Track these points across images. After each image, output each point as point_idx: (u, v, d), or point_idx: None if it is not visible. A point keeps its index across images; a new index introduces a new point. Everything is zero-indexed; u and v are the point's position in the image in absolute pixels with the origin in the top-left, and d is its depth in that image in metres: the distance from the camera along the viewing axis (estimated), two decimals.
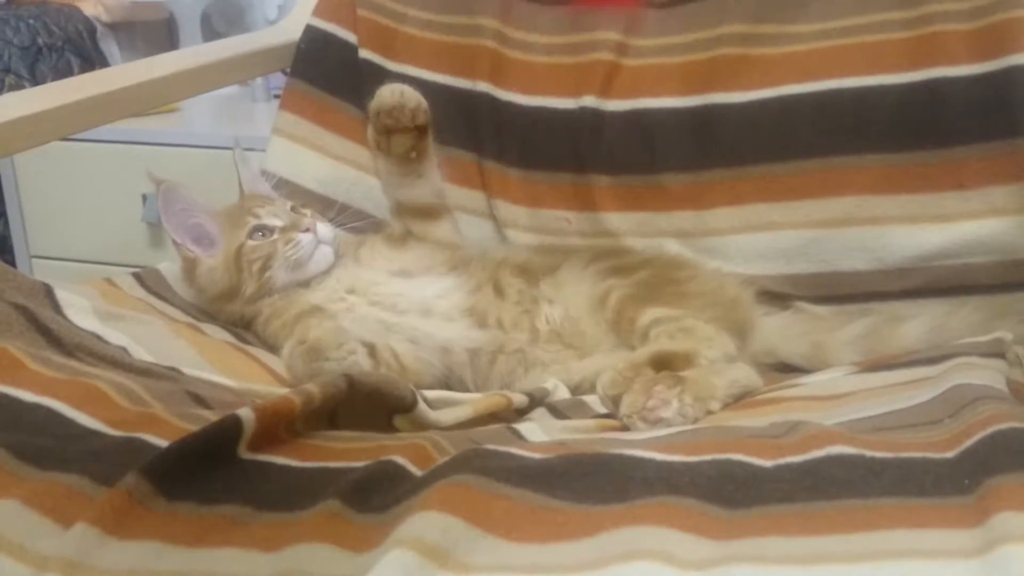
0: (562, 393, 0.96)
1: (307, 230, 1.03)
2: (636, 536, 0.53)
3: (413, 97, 1.08)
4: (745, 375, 0.92)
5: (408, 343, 0.98)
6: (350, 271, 1.04)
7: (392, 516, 0.56)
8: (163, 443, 0.64)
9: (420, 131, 1.11)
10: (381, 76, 1.23)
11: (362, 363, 0.91)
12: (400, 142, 1.08)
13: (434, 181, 1.12)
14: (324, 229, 1.06)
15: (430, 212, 1.11)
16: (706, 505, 0.56)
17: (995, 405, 0.65)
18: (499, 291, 1.05)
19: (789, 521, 0.54)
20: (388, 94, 1.08)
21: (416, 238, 1.10)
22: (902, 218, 1.02)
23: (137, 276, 1.05)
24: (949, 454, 0.60)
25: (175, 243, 1.04)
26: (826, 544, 0.51)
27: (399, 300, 1.01)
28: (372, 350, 0.94)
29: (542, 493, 0.58)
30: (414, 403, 0.79)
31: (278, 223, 1.04)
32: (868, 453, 0.60)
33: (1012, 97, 0.98)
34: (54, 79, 1.81)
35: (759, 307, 1.04)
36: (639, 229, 1.15)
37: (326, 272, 1.04)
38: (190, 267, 1.05)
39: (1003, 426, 0.60)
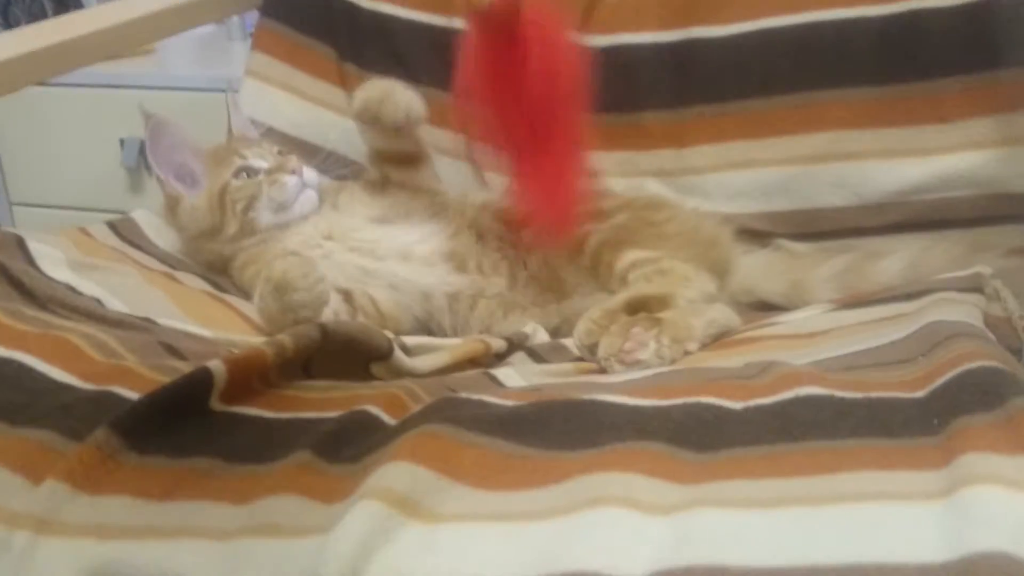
0: (541, 336, 0.96)
1: (293, 172, 1.03)
2: (603, 482, 0.53)
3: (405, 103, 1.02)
4: (723, 315, 0.92)
5: (387, 289, 0.98)
6: (328, 217, 1.03)
7: (363, 467, 0.56)
8: (135, 396, 0.64)
9: None
10: (354, 14, 1.21)
11: (334, 302, 0.91)
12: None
13: (416, 130, 1.09)
14: (310, 173, 1.05)
15: (410, 159, 1.09)
16: (674, 449, 0.56)
17: (967, 343, 0.65)
18: (480, 236, 1.05)
19: (756, 463, 0.54)
20: (374, 92, 1.02)
21: (395, 184, 1.08)
22: (882, 153, 1.01)
23: (111, 225, 1.04)
24: (919, 394, 0.60)
25: (159, 179, 1.04)
26: (791, 486, 0.51)
27: (377, 246, 1.00)
28: (348, 296, 0.94)
29: (512, 441, 0.58)
30: (390, 351, 0.79)
31: (264, 164, 1.04)
32: (838, 394, 0.60)
33: (993, 28, 0.96)
34: (28, 23, 1.78)
35: (738, 246, 1.04)
36: (620, 168, 1.13)
37: (305, 218, 1.03)
38: (172, 204, 1.04)
39: (973, 365, 0.60)
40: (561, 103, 0.92)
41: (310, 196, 1.04)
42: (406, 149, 1.09)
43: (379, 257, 1.00)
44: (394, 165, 1.09)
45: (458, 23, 1.18)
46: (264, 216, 1.01)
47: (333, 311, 0.92)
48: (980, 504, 0.47)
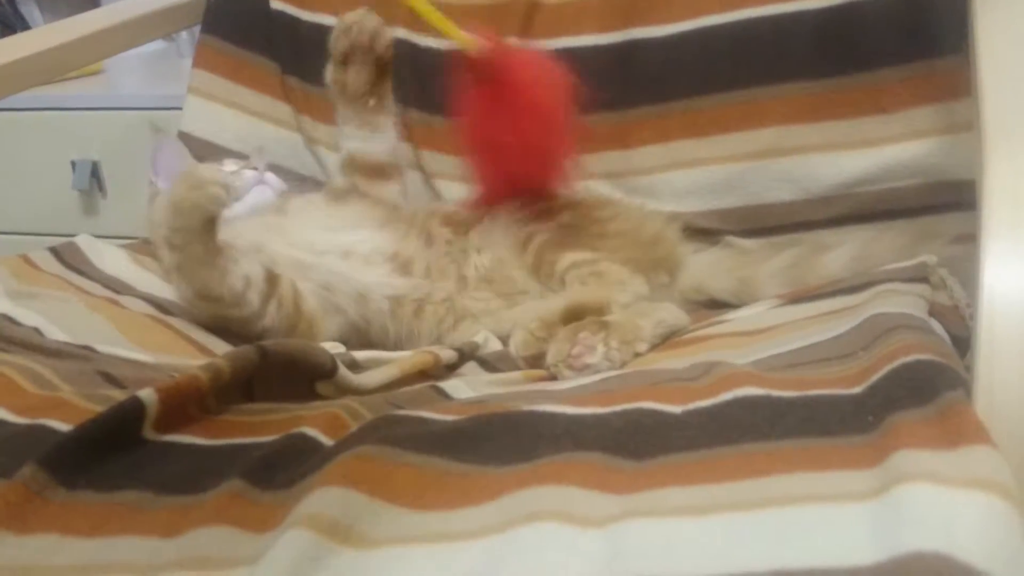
0: (493, 345, 0.96)
1: (254, 168, 1.07)
2: (538, 496, 0.52)
3: (374, 18, 1.05)
4: (672, 315, 0.91)
5: (320, 288, 0.97)
6: (272, 218, 1.03)
7: (295, 493, 0.55)
8: (68, 428, 0.63)
9: (380, 68, 1.08)
10: (295, 27, 1.20)
11: (253, 272, 0.92)
12: (358, 75, 1.06)
13: (390, 139, 1.11)
14: (273, 177, 1.09)
15: (382, 171, 1.10)
16: (611, 458, 0.56)
17: (906, 335, 0.64)
18: (429, 240, 1.04)
19: (691, 469, 0.53)
20: (350, 14, 1.05)
21: (358, 194, 1.08)
22: (825, 146, 1.01)
23: (54, 251, 1.03)
24: (856, 390, 0.59)
25: (150, 180, 1.09)
26: (725, 492, 0.51)
27: (317, 243, 1.00)
28: (273, 278, 0.93)
29: (448, 458, 0.57)
30: (334, 369, 0.77)
31: (233, 168, 1.07)
32: (775, 393, 0.60)
33: (929, 16, 0.97)
34: None
35: (688, 244, 1.04)
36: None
37: (255, 215, 1.03)
38: (152, 197, 1.07)
39: (909, 359, 0.59)
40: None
41: (263, 191, 1.06)
42: (381, 160, 1.10)
43: (318, 253, 0.99)
44: (365, 176, 1.10)
45: (400, 33, 1.17)
46: None
47: (245, 277, 0.91)
48: (910, 503, 0.46)
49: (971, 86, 0.72)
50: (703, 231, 1.06)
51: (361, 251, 1.00)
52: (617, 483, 0.53)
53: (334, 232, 1.02)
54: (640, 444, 0.57)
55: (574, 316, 0.87)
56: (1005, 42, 0.72)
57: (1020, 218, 0.55)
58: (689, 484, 0.52)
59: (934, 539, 0.44)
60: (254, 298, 0.91)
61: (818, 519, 0.48)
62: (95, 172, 1.63)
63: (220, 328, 0.95)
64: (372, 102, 1.08)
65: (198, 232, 0.86)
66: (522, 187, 1.02)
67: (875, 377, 0.59)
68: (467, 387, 0.81)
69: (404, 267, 1.00)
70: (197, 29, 1.32)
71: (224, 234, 0.99)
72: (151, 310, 0.96)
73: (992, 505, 0.45)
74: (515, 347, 0.87)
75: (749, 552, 0.46)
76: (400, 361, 0.86)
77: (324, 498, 0.53)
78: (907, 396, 0.55)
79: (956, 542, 0.43)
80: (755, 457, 0.53)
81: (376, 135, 1.09)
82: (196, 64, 1.26)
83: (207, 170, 0.89)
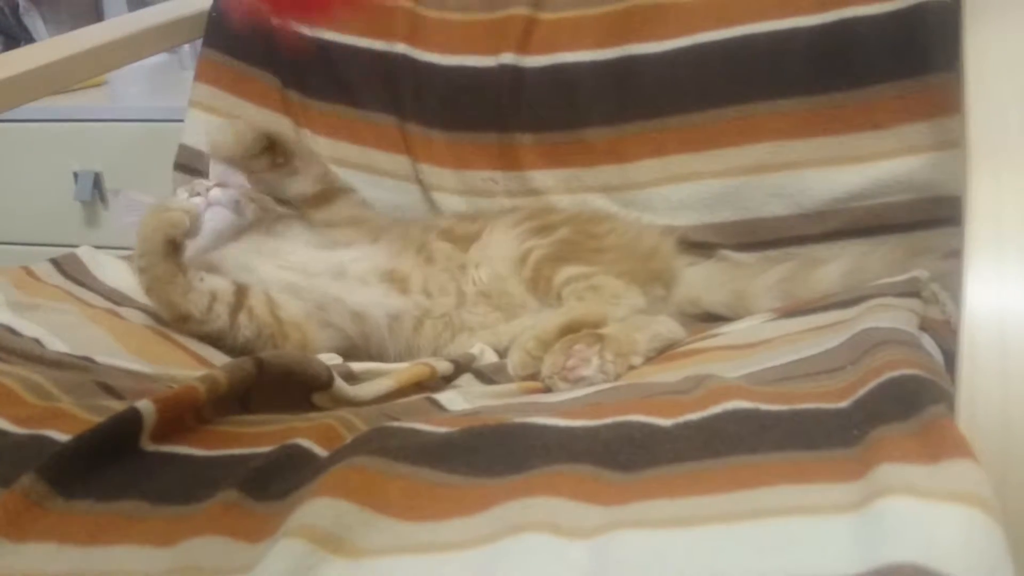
0: (489, 357, 0.97)
1: (197, 194, 1.04)
2: (527, 508, 0.53)
3: (246, 136, 1.01)
4: (667, 328, 0.92)
5: (315, 307, 0.98)
6: (258, 239, 1.04)
7: (289, 503, 0.56)
8: (67, 438, 0.64)
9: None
10: (296, 41, 1.21)
11: (219, 289, 0.95)
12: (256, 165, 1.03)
13: (313, 170, 1.06)
14: (218, 192, 1.06)
15: (322, 198, 1.07)
16: (600, 470, 0.56)
17: (894, 350, 0.65)
18: (428, 257, 1.05)
19: (678, 482, 0.54)
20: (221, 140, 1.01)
21: (321, 223, 1.07)
22: (819, 161, 1.02)
23: (55, 262, 1.04)
24: (843, 404, 0.60)
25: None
26: (710, 503, 0.51)
27: (310, 263, 1.00)
28: (241, 291, 0.95)
29: (439, 469, 0.58)
30: (330, 380, 0.78)
31: (184, 196, 1.05)
32: (764, 407, 0.60)
33: (922, 34, 0.98)
34: None
35: (683, 257, 1.05)
36: (565, 185, 1.14)
37: (234, 239, 1.03)
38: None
39: (895, 374, 0.60)
40: None
41: (216, 212, 1.04)
42: (314, 191, 1.07)
43: (311, 275, 1.00)
44: (311, 208, 1.08)
45: (399, 48, 1.19)
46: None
47: (211, 292, 0.94)
48: (892, 515, 0.47)
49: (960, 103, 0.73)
50: (698, 245, 1.07)
51: (355, 270, 1.01)
52: (606, 494, 0.54)
53: (326, 250, 1.03)
54: (629, 456, 0.57)
55: (571, 333, 0.88)
56: (992, 62, 0.73)
57: (1001, 237, 0.55)
58: (676, 496, 0.53)
59: (914, 551, 0.45)
60: (222, 311, 0.94)
61: (801, 531, 0.48)
62: (97, 183, 1.65)
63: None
64: (280, 160, 1.04)
65: (160, 254, 0.92)
66: None
67: (861, 391, 0.60)
68: (462, 399, 0.82)
69: (401, 284, 1.01)
70: (199, 43, 1.34)
71: (211, 258, 1.00)
72: (150, 322, 0.97)
73: (972, 518, 0.46)
74: (512, 367, 0.88)
75: (733, 563, 0.47)
76: (396, 373, 0.87)
77: (317, 508, 0.53)
78: (892, 410, 0.56)
79: (936, 554, 0.44)
80: (741, 470, 0.54)
81: (297, 177, 1.06)
82: (197, 78, 1.27)
83: (172, 200, 0.96)
